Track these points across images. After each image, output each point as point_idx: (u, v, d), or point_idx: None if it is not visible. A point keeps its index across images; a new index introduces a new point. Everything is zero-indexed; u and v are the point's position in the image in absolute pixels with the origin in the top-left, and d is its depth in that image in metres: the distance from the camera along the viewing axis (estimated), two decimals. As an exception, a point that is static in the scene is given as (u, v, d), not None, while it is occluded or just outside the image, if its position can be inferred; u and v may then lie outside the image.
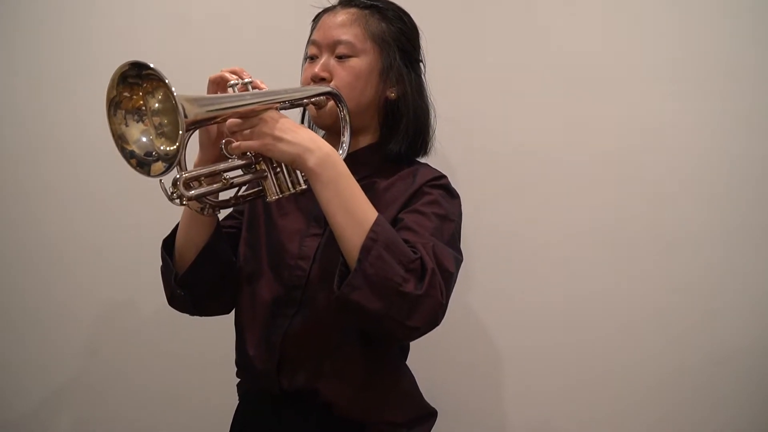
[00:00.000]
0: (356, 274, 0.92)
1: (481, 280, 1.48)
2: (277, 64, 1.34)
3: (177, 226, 1.12)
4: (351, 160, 1.09)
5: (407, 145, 1.15)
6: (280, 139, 0.96)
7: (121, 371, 1.65)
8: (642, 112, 1.47)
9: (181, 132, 0.82)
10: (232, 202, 1.01)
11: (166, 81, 0.81)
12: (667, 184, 1.46)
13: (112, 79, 0.84)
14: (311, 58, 1.15)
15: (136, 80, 0.83)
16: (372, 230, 0.93)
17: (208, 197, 0.95)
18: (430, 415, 1.16)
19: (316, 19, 1.19)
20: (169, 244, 1.12)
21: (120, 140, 0.85)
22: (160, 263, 1.14)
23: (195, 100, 0.86)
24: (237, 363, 1.16)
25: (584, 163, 1.49)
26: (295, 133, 0.97)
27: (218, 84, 1.01)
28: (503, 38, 1.52)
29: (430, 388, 1.19)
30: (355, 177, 1.10)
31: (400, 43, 1.15)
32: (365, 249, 0.92)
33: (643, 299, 1.47)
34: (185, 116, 0.83)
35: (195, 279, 1.10)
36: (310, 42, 1.16)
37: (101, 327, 1.65)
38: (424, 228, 1.02)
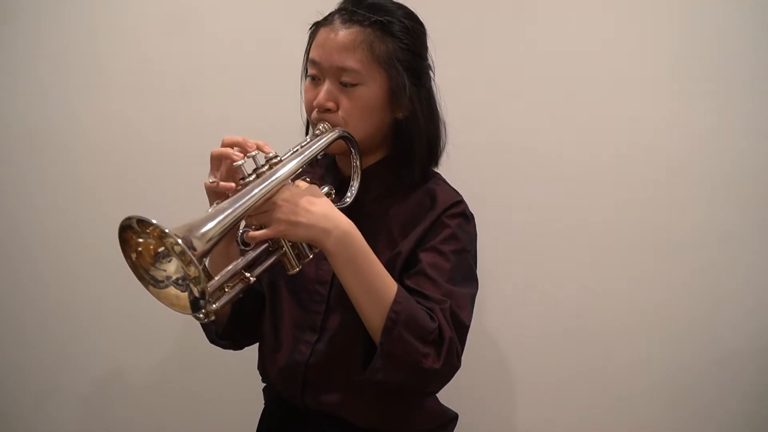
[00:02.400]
0: (379, 357, 0.97)
1: (488, 281, 1.46)
2: (278, 66, 1.28)
3: None
4: (362, 178, 1.08)
5: (420, 168, 1.11)
6: (295, 224, 0.94)
7: (145, 372, 1.69)
8: (643, 113, 1.44)
9: (196, 268, 0.80)
10: (254, 281, 1.00)
11: (167, 231, 0.78)
12: (666, 183, 1.45)
13: (123, 252, 0.81)
14: (312, 78, 1.07)
15: (135, 234, 0.81)
16: (392, 309, 0.96)
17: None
18: (452, 419, 1.23)
19: (314, 30, 1.08)
20: None
21: (168, 280, 0.84)
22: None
23: (198, 228, 0.83)
24: (262, 378, 1.22)
25: (585, 163, 1.47)
26: (310, 213, 0.95)
27: (221, 160, 0.96)
28: (504, 39, 1.48)
29: (452, 393, 1.24)
30: (368, 195, 1.10)
31: (408, 63, 1.06)
32: (387, 331, 0.95)
33: (643, 299, 1.48)
34: (193, 249, 0.81)
35: (234, 330, 1.14)
36: (310, 60, 1.07)
37: (123, 327, 1.69)
38: (441, 273, 1.04)
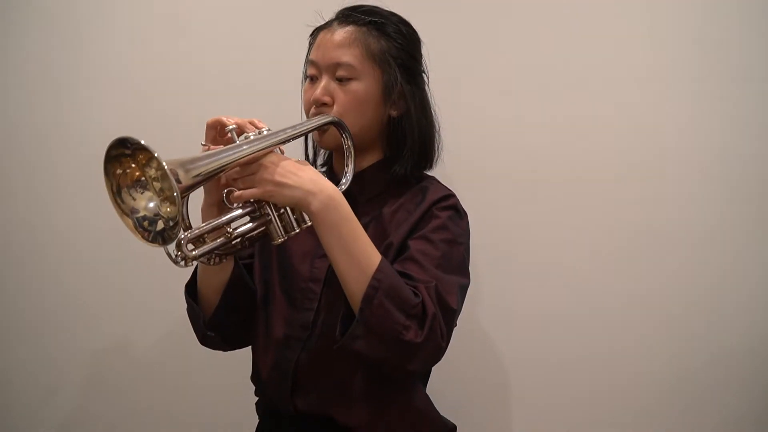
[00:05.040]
0: (358, 324, 0.94)
1: (483, 285, 1.48)
2: (279, 71, 1.36)
3: (196, 269, 1.13)
4: (358, 179, 1.10)
5: (412, 165, 1.13)
6: (281, 185, 0.96)
7: (138, 388, 1.67)
8: (638, 113, 1.47)
9: (176, 197, 0.82)
10: (238, 247, 1.01)
11: (156, 154, 0.81)
12: (667, 184, 1.46)
13: (104, 168, 0.84)
14: (311, 79, 1.13)
15: (120, 151, 0.83)
16: (374, 278, 0.94)
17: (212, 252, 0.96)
18: (450, 430, 1.17)
19: (314, 35, 1.16)
20: (191, 288, 1.14)
21: (133, 213, 0.86)
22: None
23: (188, 164, 0.85)
24: (253, 382, 1.19)
25: (580, 162, 1.49)
26: (296, 176, 0.97)
27: (215, 128, 1.00)
28: (501, 42, 1.52)
29: (449, 403, 1.22)
30: (363, 197, 1.11)
31: (401, 60, 1.12)
32: (367, 298, 0.93)
33: (643, 300, 1.47)
34: (178, 182, 0.83)
35: (223, 319, 1.12)
36: (309, 61, 1.14)
37: (115, 337, 1.67)
38: (429, 259, 1.02)
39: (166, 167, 0.80)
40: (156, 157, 0.81)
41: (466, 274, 1.09)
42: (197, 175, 0.86)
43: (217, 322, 1.12)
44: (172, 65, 1.63)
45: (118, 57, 1.65)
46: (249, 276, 1.17)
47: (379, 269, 0.95)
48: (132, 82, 1.64)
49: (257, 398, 1.20)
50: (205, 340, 1.16)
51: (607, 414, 1.49)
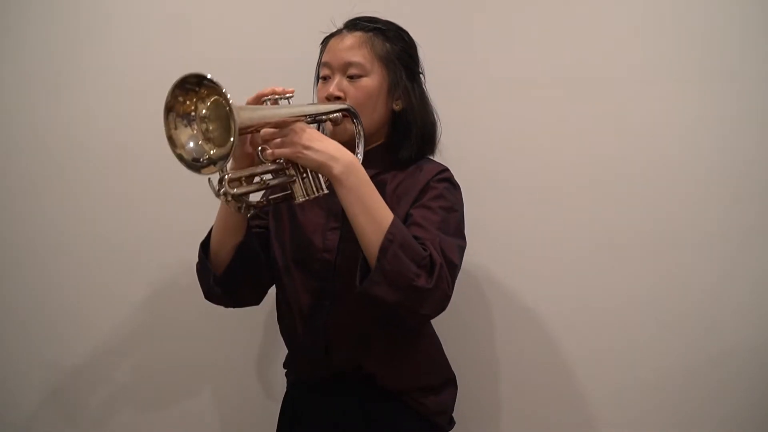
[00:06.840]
0: (376, 271, 1.05)
1: (483, 279, 1.57)
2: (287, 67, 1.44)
3: (211, 229, 1.24)
4: (364, 158, 1.22)
5: (416, 150, 1.28)
6: (309, 148, 1.08)
7: (165, 367, 1.68)
8: (638, 113, 1.53)
9: (233, 128, 0.93)
10: (264, 203, 1.12)
11: (224, 90, 0.92)
12: (667, 184, 1.52)
13: (172, 85, 0.95)
14: (324, 79, 1.28)
15: (192, 87, 0.94)
16: (389, 231, 1.07)
17: (245, 197, 1.05)
18: (453, 379, 1.32)
19: (324, 42, 1.32)
20: (206, 246, 1.23)
21: (169, 142, 0.97)
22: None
23: (244, 109, 0.97)
24: (288, 346, 1.32)
25: (584, 164, 1.55)
26: (321, 142, 1.10)
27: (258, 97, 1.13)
28: (501, 41, 1.61)
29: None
30: (368, 173, 1.23)
31: (403, 61, 1.29)
32: (383, 249, 1.05)
33: (642, 299, 1.52)
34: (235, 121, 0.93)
35: (231, 277, 1.22)
36: (322, 64, 1.29)
37: (129, 322, 1.68)
38: (430, 222, 1.16)
39: (231, 101, 0.91)
40: (223, 92, 0.92)
41: (463, 237, 1.23)
42: (254, 118, 0.98)
43: (226, 279, 1.22)
44: (177, 66, 1.65)
45: (121, 58, 1.67)
46: (261, 245, 1.28)
47: (393, 224, 1.08)
48: (139, 83, 1.66)
49: (285, 369, 1.34)
50: (210, 295, 1.27)
51: (602, 400, 1.54)
